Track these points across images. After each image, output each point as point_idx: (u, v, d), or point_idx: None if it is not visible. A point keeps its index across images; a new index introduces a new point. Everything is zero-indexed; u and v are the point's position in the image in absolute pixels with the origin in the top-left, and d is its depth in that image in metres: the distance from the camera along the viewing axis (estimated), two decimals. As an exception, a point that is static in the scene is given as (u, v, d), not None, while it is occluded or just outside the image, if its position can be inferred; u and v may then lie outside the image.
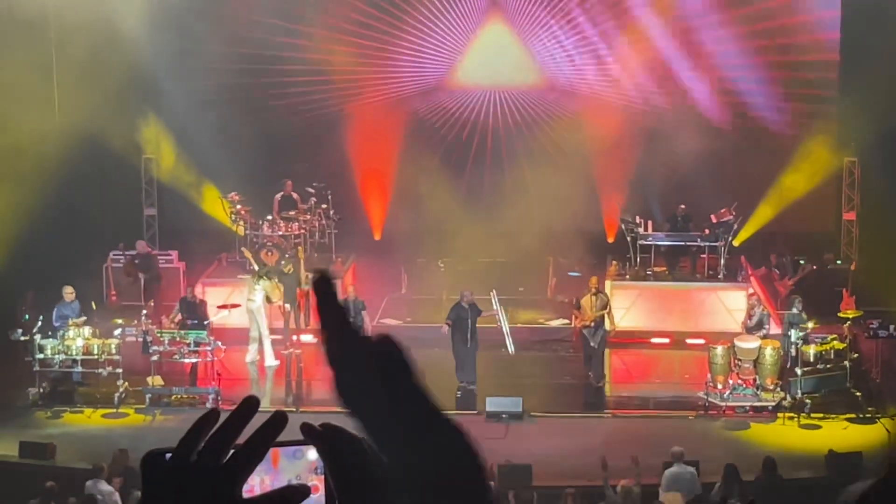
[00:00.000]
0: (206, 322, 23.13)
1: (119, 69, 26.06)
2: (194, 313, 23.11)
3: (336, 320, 1.77)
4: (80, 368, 22.54)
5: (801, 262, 26.16)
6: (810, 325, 22.22)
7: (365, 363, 1.74)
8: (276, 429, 1.77)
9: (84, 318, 23.10)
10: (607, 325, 23.03)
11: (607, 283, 25.27)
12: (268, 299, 24.00)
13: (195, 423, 1.78)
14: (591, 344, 22.94)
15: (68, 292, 23.48)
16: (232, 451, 1.75)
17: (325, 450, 1.82)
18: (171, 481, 1.74)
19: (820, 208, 27.79)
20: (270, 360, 24.03)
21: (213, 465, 1.73)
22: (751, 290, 24.37)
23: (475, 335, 22.75)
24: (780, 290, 25.80)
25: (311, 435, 1.82)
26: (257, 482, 1.81)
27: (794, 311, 22.53)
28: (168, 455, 1.78)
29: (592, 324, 22.81)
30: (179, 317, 23.29)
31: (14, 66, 25.51)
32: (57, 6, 26.14)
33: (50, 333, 22.51)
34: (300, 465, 1.92)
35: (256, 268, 24.17)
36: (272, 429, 1.77)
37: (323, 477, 1.87)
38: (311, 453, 1.89)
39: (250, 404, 1.79)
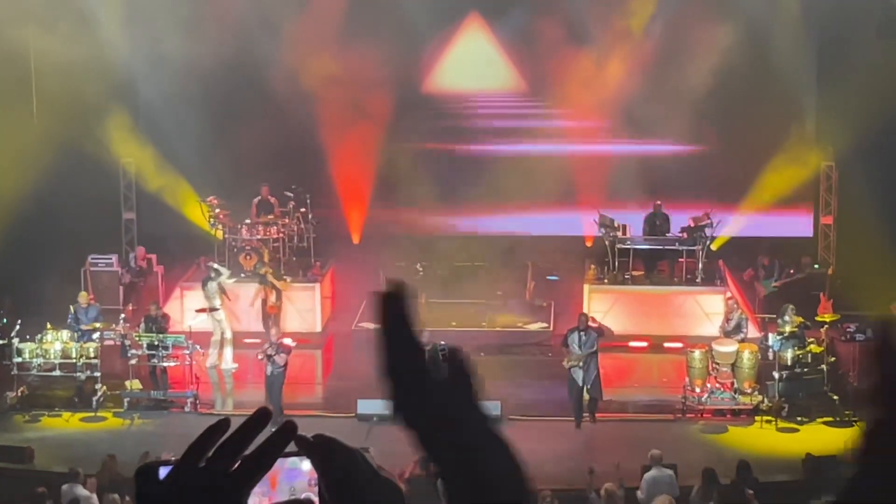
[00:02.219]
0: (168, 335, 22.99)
1: (97, 74, 26.00)
2: (159, 328, 22.95)
3: (405, 340, 1.81)
4: (69, 372, 22.49)
5: (792, 270, 26.24)
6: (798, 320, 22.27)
7: (435, 387, 1.79)
8: (286, 438, 1.78)
9: (103, 323, 23.12)
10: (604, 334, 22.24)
11: (585, 287, 25.34)
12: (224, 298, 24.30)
13: (205, 431, 1.78)
14: (580, 384, 21.59)
15: (83, 298, 23.48)
16: (240, 460, 1.75)
17: (318, 461, 1.83)
18: (173, 489, 1.74)
19: (798, 213, 27.88)
20: (228, 364, 24.04)
21: (221, 471, 1.74)
22: (729, 294, 24.43)
23: None
24: (759, 289, 25.86)
25: (304, 446, 1.83)
26: (255, 503, 1.82)
27: (787, 318, 22.40)
28: (162, 468, 1.78)
29: (581, 364, 21.63)
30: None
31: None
32: (36, 14, 26.07)
33: (28, 337, 22.48)
34: (297, 482, 1.93)
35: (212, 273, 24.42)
36: (282, 438, 1.78)
37: (317, 489, 1.88)
38: (306, 465, 1.90)
39: (263, 415, 1.80)
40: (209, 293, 24.22)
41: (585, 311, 24.89)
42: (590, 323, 22.23)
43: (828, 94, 26.61)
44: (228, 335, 24.23)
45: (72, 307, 23.30)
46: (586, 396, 21.77)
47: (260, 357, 21.90)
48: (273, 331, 22.77)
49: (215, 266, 24.63)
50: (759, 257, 26.28)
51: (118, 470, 18.31)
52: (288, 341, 22.76)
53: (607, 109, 27.80)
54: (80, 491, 17.43)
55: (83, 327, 22.94)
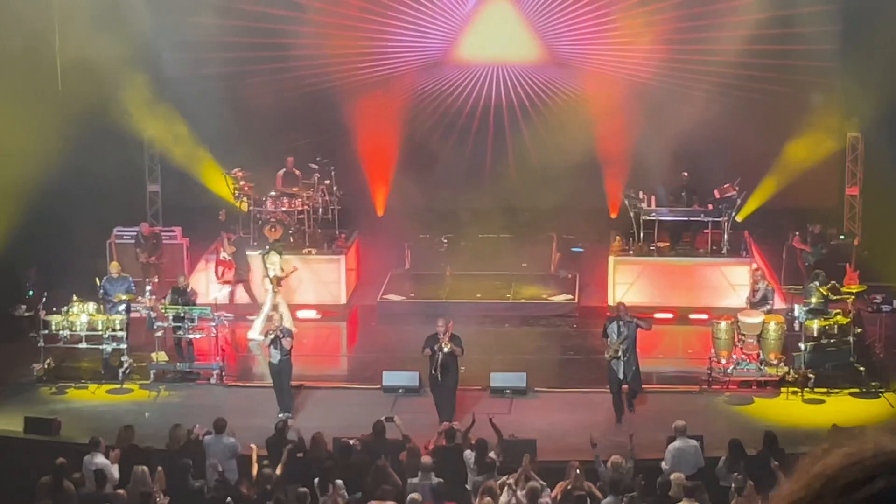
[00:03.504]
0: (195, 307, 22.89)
1: (122, 44, 25.94)
2: (186, 300, 22.86)
3: None
4: (113, 345, 22.51)
5: (842, 236, 26.25)
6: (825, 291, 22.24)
7: None
8: None
9: (130, 295, 23.08)
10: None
11: (610, 259, 25.28)
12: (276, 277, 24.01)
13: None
14: (620, 376, 20.47)
15: (115, 268, 23.46)
16: None
17: None
18: None
19: (823, 183, 27.74)
20: (254, 334, 23.77)
21: None
22: (755, 265, 24.36)
23: (450, 372, 20.28)
24: (806, 256, 25.48)
25: None
26: None
27: (816, 283, 22.37)
28: None
29: (620, 354, 20.47)
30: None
31: (18, 41, 25.46)
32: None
33: (54, 309, 22.52)
34: None
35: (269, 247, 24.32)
36: None
37: None
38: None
39: None
40: (269, 263, 23.89)
41: (610, 282, 24.92)
42: (621, 312, 20.96)
43: (854, 65, 26.42)
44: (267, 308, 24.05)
45: (97, 279, 23.29)
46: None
47: (270, 338, 21.11)
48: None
49: (279, 250, 24.34)
50: (809, 225, 25.96)
51: (134, 441, 18.36)
52: (304, 313, 22.53)
53: (633, 80, 27.69)
54: (100, 459, 17.50)
55: (113, 298, 22.93)
